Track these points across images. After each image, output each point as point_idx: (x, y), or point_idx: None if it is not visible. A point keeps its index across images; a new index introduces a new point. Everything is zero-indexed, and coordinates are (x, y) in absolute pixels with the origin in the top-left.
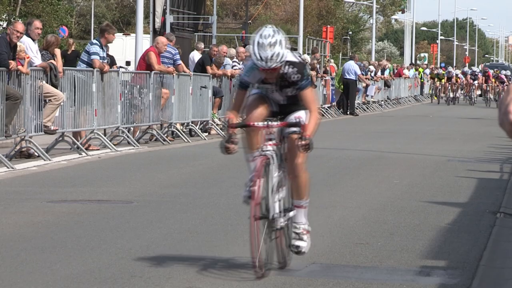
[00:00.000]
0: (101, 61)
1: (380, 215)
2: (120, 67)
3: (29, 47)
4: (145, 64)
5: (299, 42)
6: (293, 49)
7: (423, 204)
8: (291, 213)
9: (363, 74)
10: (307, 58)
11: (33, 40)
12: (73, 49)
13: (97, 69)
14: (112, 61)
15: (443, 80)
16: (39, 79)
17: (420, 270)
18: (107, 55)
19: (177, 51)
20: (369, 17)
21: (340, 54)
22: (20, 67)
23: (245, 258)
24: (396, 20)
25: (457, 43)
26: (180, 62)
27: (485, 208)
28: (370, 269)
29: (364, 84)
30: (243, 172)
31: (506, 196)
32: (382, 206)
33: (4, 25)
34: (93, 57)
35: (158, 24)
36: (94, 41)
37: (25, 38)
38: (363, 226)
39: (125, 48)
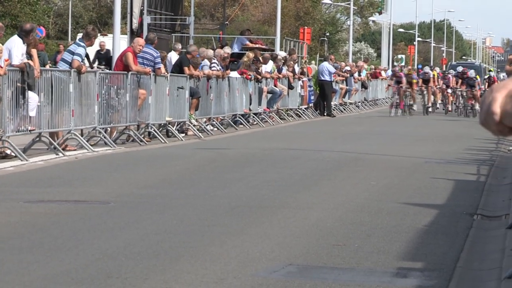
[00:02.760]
0: (81, 62)
1: (357, 217)
2: (97, 67)
3: (16, 46)
4: (122, 64)
5: (276, 43)
6: (271, 50)
7: (400, 205)
8: None
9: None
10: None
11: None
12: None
13: (75, 70)
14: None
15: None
16: (17, 80)
17: (397, 271)
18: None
19: (159, 54)
20: (347, 19)
21: (318, 56)
22: None
23: (222, 259)
24: (373, 21)
25: (434, 44)
26: (160, 65)
27: (463, 210)
28: (347, 270)
29: (341, 85)
30: (219, 173)
31: (483, 198)
32: (359, 208)
33: None
34: (75, 57)
35: (135, 24)
36: (81, 43)
37: (15, 38)
38: (340, 228)
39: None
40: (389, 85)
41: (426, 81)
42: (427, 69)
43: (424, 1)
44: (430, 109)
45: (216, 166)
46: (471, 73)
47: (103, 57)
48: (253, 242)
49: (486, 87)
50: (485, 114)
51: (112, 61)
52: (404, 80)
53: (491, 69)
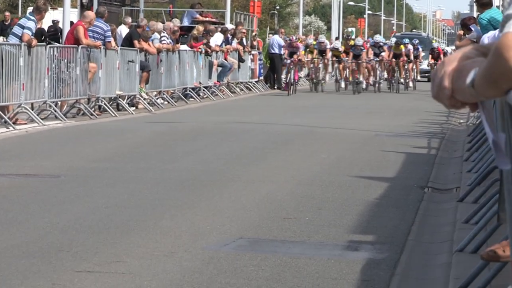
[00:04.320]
0: (31, 36)
1: (308, 190)
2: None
3: None
4: (73, 38)
5: (227, 17)
6: (221, 23)
7: (351, 178)
8: None
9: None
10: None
11: None
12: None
13: (25, 43)
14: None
15: (311, 55)
16: None
17: (348, 245)
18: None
19: (109, 28)
20: None
21: (268, 29)
22: None
23: (172, 233)
24: None
25: (384, 17)
26: (111, 39)
27: (413, 183)
28: (297, 243)
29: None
30: (170, 147)
31: (434, 171)
32: (310, 181)
33: None
34: (25, 31)
35: None
36: (32, 17)
37: None
38: (290, 201)
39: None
40: (284, 59)
41: (322, 53)
42: (322, 37)
43: None
44: (342, 85)
45: (166, 139)
46: (414, 42)
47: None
48: (204, 215)
49: (430, 58)
50: (437, 88)
51: (62, 35)
52: (301, 51)
53: (434, 40)
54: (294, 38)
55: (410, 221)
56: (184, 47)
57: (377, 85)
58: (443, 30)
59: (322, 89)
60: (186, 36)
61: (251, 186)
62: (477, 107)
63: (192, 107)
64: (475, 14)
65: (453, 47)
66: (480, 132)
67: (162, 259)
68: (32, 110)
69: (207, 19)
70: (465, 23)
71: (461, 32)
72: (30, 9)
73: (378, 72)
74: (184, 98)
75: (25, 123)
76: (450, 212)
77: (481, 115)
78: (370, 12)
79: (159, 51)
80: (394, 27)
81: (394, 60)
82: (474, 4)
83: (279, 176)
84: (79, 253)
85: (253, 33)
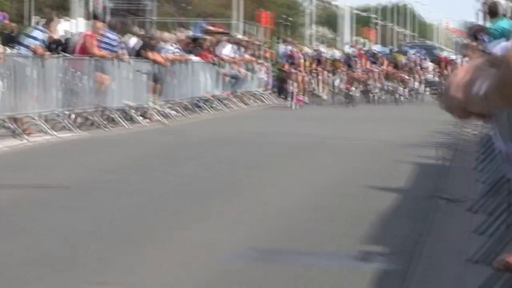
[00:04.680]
0: (41, 46)
1: (320, 200)
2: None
3: None
4: (84, 49)
5: (237, 28)
6: (231, 34)
7: (362, 189)
8: None
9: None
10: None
11: None
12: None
13: (37, 55)
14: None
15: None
16: None
17: (360, 255)
18: (55, 39)
19: (122, 39)
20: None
21: (279, 40)
22: None
23: (184, 244)
24: (332, 3)
25: (393, 27)
26: (124, 50)
27: (424, 193)
28: (309, 254)
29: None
30: (179, 158)
31: (446, 181)
32: (322, 191)
33: None
34: (30, 40)
35: (97, 9)
36: (42, 28)
37: None
38: (302, 211)
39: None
40: (282, 68)
41: (320, 62)
42: (321, 47)
43: None
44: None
45: (178, 151)
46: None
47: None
48: (214, 226)
49: (438, 67)
50: (449, 99)
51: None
52: (302, 62)
53: (441, 49)
54: (293, 48)
55: (422, 231)
56: (195, 57)
57: (373, 96)
58: (452, 39)
59: (320, 102)
60: (197, 46)
61: (262, 196)
62: (489, 118)
63: (204, 119)
64: (481, 23)
65: (462, 56)
66: (492, 142)
67: (173, 270)
68: (44, 121)
69: (218, 30)
70: (473, 32)
71: (469, 41)
72: (36, 19)
73: (372, 82)
74: (196, 109)
75: (37, 134)
76: (461, 223)
77: (493, 126)
78: (381, 22)
79: (170, 62)
80: (407, 39)
81: (391, 70)
82: (480, 12)
83: (290, 187)
84: (89, 265)
85: (265, 44)
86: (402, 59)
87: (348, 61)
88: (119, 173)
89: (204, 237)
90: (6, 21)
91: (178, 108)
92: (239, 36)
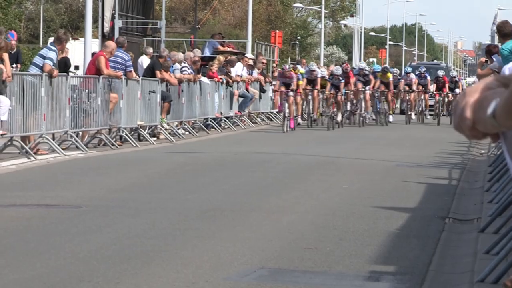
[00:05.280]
0: (52, 66)
1: (329, 220)
2: (69, 71)
3: None
4: (94, 68)
5: (248, 47)
6: (242, 53)
7: (372, 209)
8: None
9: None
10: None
11: None
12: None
13: (46, 74)
14: (67, 64)
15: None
16: None
17: (369, 275)
18: (62, 57)
19: (130, 58)
20: (318, 22)
21: (289, 59)
22: None
23: (193, 263)
24: (345, 25)
25: (405, 48)
26: (131, 69)
27: (434, 213)
28: (319, 274)
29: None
30: (191, 177)
31: (455, 202)
32: (331, 211)
33: None
34: (46, 61)
35: (106, 28)
36: (53, 47)
37: None
38: (312, 231)
39: (74, 52)
40: (275, 90)
41: (310, 82)
42: (313, 65)
43: (395, 5)
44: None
45: (187, 170)
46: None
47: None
48: (225, 245)
49: (435, 87)
50: (458, 119)
51: (84, 65)
52: (295, 82)
53: (454, 70)
54: (287, 67)
55: (431, 252)
56: (205, 77)
57: (360, 118)
58: (464, 60)
59: (314, 123)
60: (207, 66)
61: (272, 216)
62: (499, 137)
63: (213, 138)
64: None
65: (475, 78)
66: (501, 162)
67: None
68: (53, 140)
69: (228, 49)
70: (489, 49)
71: (483, 59)
72: (51, 39)
73: (362, 104)
74: (205, 129)
75: (46, 153)
76: (471, 243)
77: (502, 146)
78: (391, 42)
79: (180, 81)
80: (416, 57)
81: (380, 89)
82: (495, 34)
83: (300, 206)
84: (100, 284)
85: (274, 64)
86: (390, 77)
87: (333, 81)
88: (136, 192)
89: (214, 256)
90: (14, 40)
91: (186, 126)
92: (248, 55)
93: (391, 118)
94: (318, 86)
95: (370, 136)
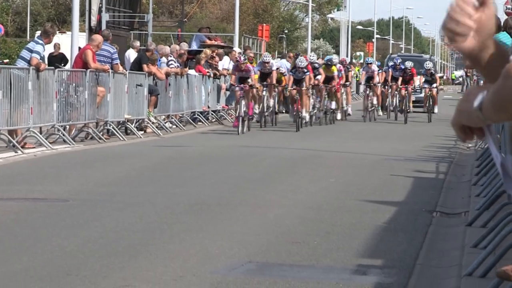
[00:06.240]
0: (39, 60)
1: (316, 214)
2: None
3: None
4: (81, 62)
5: (235, 41)
6: (229, 47)
7: (359, 203)
8: None
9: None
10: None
11: None
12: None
13: (33, 67)
14: (63, 58)
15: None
16: None
17: (357, 269)
18: (59, 53)
19: (115, 50)
20: (305, 16)
21: (276, 53)
22: None
23: (181, 257)
24: (332, 18)
25: (393, 41)
26: (117, 61)
27: (421, 207)
28: (306, 267)
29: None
30: (178, 171)
31: (443, 195)
32: (318, 205)
33: None
34: (33, 55)
35: (94, 22)
36: (40, 41)
37: None
38: (299, 225)
39: (61, 46)
40: (231, 85)
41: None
42: (267, 56)
43: None
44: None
45: (174, 163)
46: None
47: (58, 61)
48: (212, 239)
49: (401, 79)
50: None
51: (71, 59)
52: (253, 75)
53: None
54: (242, 58)
55: (419, 246)
56: (192, 71)
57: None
58: (452, 54)
59: (270, 122)
60: (194, 60)
61: (259, 210)
62: (484, 134)
63: (200, 131)
64: None
65: (462, 72)
66: (488, 156)
67: (170, 283)
68: (41, 134)
69: (215, 43)
70: None
71: None
72: (38, 33)
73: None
74: (192, 122)
75: (34, 147)
76: (458, 237)
77: (487, 139)
78: (378, 36)
79: (167, 75)
80: (403, 51)
81: (323, 85)
82: None
83: (287, 200)
84: (87, 277)
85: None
86: (335, 71)
87: (295, 75)
88: (123, 186)
89: (201, 250)
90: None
91: (173, 120)
92: (235, 49)
93: (339, 116)
94: (274, 81)
95: (356, 129)
